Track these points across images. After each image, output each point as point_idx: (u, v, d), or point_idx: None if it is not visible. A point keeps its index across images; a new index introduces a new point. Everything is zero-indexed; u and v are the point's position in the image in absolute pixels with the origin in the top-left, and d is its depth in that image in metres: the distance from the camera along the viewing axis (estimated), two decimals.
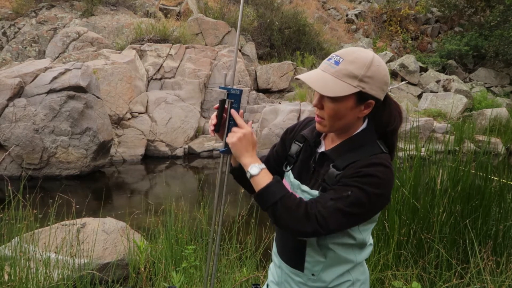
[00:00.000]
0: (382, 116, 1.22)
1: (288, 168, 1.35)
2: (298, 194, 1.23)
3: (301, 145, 1.34)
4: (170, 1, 14.60)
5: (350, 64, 1.11)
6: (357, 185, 1.09)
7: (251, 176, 1.18)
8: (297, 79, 1.19)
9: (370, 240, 1.31)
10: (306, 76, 1.16)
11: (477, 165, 3.10)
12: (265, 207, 1.15)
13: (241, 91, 1.27)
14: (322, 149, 1.29)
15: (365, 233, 1.23)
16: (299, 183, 1.26)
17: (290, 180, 1.31)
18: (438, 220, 2.84)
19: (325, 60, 1.18)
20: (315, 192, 1.20)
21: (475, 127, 9.99)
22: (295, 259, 1.27)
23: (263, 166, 1.19)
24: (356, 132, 1.21)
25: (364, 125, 1.22)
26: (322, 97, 1.17)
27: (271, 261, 1.47)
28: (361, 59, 1.12)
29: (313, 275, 1.24)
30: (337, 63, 1.13)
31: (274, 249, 1.40)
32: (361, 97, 1.14)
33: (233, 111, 1.25)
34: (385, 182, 1.12)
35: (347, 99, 1.13)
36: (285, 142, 1.42)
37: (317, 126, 1.23)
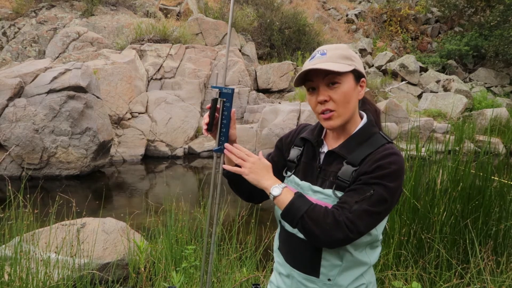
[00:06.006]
0: (371, 108, 1.33)
1: (289, 173, 1.35)
2: (311, 196, 1.22)
3: (301, 148, 1.35)
4: (170, 1, 14.60)
5: (335, 50, 1.21)
6: (377, 181, 1.13)
7: (274, 197, 1.17)
8: (299, 76, 1.20)
9: (380, 236, 1.31)
10: (310, 67, 1.18)
11: (477, 165, 3.10)
12: (294, 224, 1.16)
13: (232, 90, 1.26)
14: (325, 149, 1.29)
15: (380, 228, 1.24)
16: (310, 184, 1.25)
17: (296, 183, 1.30)
18: (438, 220, 2.84)
19: (312, 58, 1.22)
20: (329, 191, 1.20)
21: (475, 127, 9.98)
22: (309, 264, 1.24)
23: (283, 185, 1.19)
24: (359, 127, 1.26)
25: (364, 120, 1.28)
26: (326, 89, 1.20)
27: (271, 269, 1.45)
28: (339, 46, 1.24)
29: (329, 280, 1.22)
30: (323, 53, 1.21)
31: (279, 259, 1.36)
32: (356, 75, 1.22)
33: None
34: (400, 171, 1.16)
35: (349, 79, 1.20)
36: (282, 149, 1.42)
37: (328, 123, 1.22)
